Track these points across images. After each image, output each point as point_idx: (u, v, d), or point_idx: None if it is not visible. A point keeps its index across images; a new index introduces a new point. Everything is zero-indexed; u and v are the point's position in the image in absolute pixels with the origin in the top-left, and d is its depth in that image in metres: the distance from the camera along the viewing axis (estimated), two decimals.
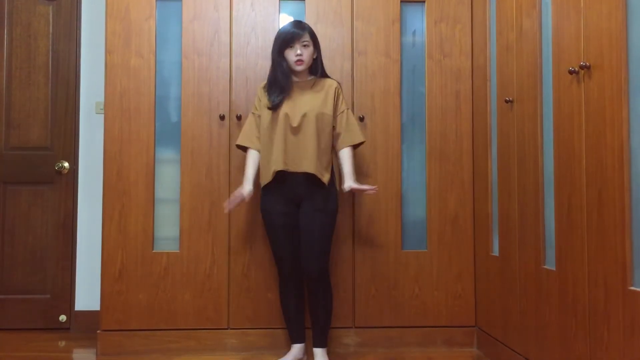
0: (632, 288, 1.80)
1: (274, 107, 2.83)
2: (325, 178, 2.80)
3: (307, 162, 2.78)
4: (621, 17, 1.87)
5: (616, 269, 1.87)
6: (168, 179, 3.20)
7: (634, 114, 1.84)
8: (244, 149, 2.94)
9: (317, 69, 2.93)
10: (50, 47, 3.80)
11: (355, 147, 2.93)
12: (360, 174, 3.18)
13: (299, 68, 2.85)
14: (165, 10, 3.24)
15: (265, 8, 3.23)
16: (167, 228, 3.18)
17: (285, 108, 2.82)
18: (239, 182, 3.15)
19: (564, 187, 2.21)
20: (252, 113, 2.94)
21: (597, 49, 1.99)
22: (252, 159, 2.90)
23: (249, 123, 2.94)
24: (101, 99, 3.36)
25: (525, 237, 2.55)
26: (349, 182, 2.82)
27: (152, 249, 3.14)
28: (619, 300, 1.85)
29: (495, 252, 2.95)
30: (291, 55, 2.84)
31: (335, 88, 2.90)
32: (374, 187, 2.83)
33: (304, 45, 2.84)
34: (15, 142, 3.77)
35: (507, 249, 2.76)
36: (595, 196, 1.98)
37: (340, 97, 2.92)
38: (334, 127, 2.89)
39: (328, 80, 2.93)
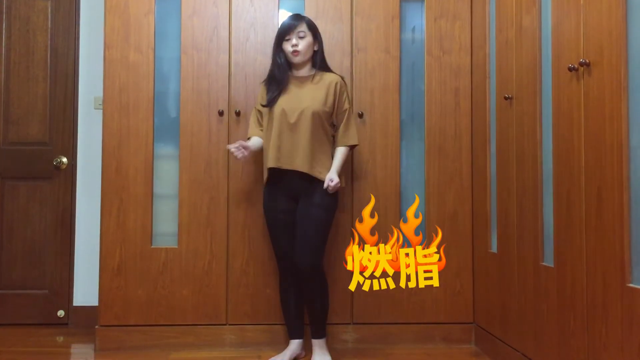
0: (631, 285, 1.81)
1: (269, 104, 2.84)
2: (324, 176, 2.78)
3: (300, 160, 2.76)
4: (621, 15, 1.86)
5: (615, 266, 1.87)
6: (167, 175, 3.20)
7: (633, 111, 1.84)
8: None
9: (318, 62, 2.90)
10: (49, 42, 3.79)
11: (351, 147, 2.92)
12: (359, 170, 3.19)
13: (296, 59, 2.84)
14: (165, 5, 3.24)
15: (265, 4, 3.23)
16: (166, 224, 3.18)
17: (282, 103, 2.82)
18: (238, 177, 3.16)
19: (563, 184, 2.21)
20: (255, 107, 2.97)
21: (596, 46, 1.99)
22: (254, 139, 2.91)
23: (252, 117, 2.98)
24: (100, 94, 3.35)
25: (524, 234, 2.55)
26: (329, 176, 2.75)
27: (151, 245, 3.14)
28: (617, 297, 1.85)
29: (494, 249, 2.95)
30: (288, 46, 2.84)
31: (337, 83, 2.86)
32: (335, 185, 2.75)
33: (300, 37, 2.82)
34: (13, 137, 3.77)
35: (505, 246, 2.76)
36: (594, 193, 1.99)
37: (344, 94, 2.88)
38: (334, 125, 2.88)
39: (330, 75, 2.89)
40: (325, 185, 2.75)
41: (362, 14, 3.25)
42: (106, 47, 3.17)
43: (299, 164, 2.76)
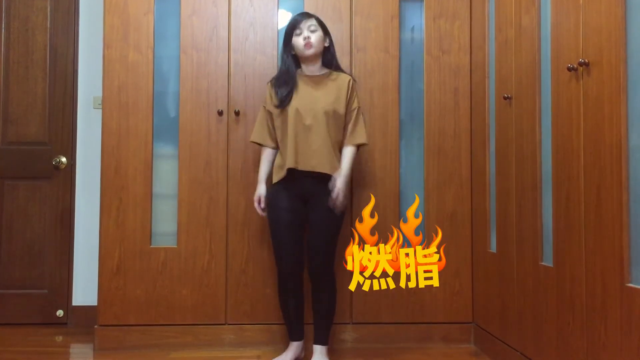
0: (630, 285, 1.81)
1: (281, 104, 2.80)
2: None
3: (317, 161, 2.73)
4: (620, 14, 1.87)
5: (614, 265, 1.87)
6: (166, 174, 3.20)
7: (632, 111, 1.84)
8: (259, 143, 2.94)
9: (330, 60, 2.88)
10: (48, 41, 3.79)
11: (358, 146, 2.90)
12: (358, 170, 3.19)
13: (308, 52, 2.79)
14: (164, 5, 3.24)
15: (265, 4, 3.23)
16: (165, 223, 3.18)
17: (295, 104, 2.77)
18: (237, 177, 3.16)
19: (562, 184, 2.21)
20: (263, 107, 2.92)
21: (595, 46, 1.99)
22: (266, 157, 2.90)
23: (260, 118, 2.93)
24: (99, 93, 3.35)
25: (523, 234, 2.55)
26: (336, 182, 2.71)
27: (150, 244, 3.14)
28: (617, 297, 1.86)
29: (493, 248, 2.95)
30: (299, 40, 2.80)
31: (349, 83, 2.84)
32: (335, 202, 2.71)
33: (312, 30, 2.79)
34: (12, 137, 3.77)
35: (504, 246, 2.76)
36: (593, 193, 1.99)
37: (354, 93, 2.86)
38: (345, 124, 2.85)
39: (342, 75, 2.87)
40: (333, 195, 2.69)
41: (362, 14, 3.25)
42: (105, 46, 3.17)
43: (316, 164, 2.73)
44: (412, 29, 3.35)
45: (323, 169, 2.74)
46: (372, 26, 3.25)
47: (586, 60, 2.03)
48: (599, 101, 1.96)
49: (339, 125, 2.81)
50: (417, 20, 3.32)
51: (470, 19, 3.27)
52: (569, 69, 2.12)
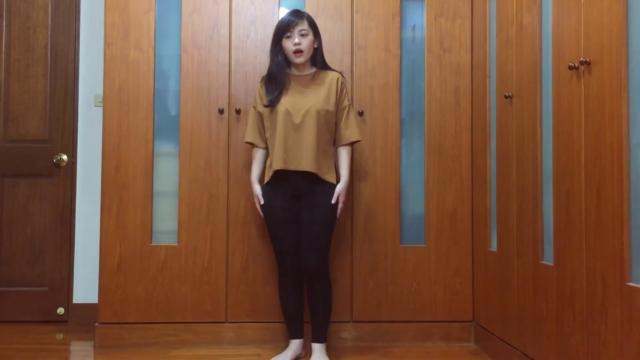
0: (630, 284, 1.81)
1: (271, 104, 2.80)
2: (328, 176, 2.78)
3: (307, 161, 2.74)
4: (621, 13, 1.86)
5: (614, 264, 1.87)
6: (167, 173, 3.20)
7: (634, 110, 1.84)
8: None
9: (318, 60, 2.88)
10: (49, 39, 3.79)
11: (352, 144, 2.92)
12: (359, 169, 3.19)
13: (298, 60, 2.80)
14: (165, 3, 3.23)
15: (265, 2, 3.22)
16: (166, 221, 3.18)
17: (285, 103, 2.78)
18: (238, 176, 3.16)
19: (563, 183, 2.21)
20: (254, 107, 2.92)
21: (597, 44, 1.99)
22: (258, 158, 2.91)
23: (251, 118, 2.93)
24: (100, 91, 3.35)
25: (524, 233, 2.55)
26: (338, 187, 2.81)
27: (151, 243, 3.14)
28: (617, 296, 1.86)
29: (493, 247, 2.95)
30: (289, 44, 2.79)
31: (338, 80, 2.84)
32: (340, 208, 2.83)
33: (302, 35, 2.78)
34: (13, 135, 3.77)
35: (505, 245, 2.76)
36: (594, 192, 1.99)
37: (344, 91, 2.86)
38: (335, 122, 2.87)
39: (330, 73, 2.87)
40: (333, 200, 2.78)
41: (363, 12, 3.24)
42: (106, 44, 3.17)
43: (306, 164, 2.73)
44: (413, 27, 3.34)
45: (312, 169, 2.74)
46: (373, 25, 3.24)
47: (587, 59, 2.02)
48: (600, 100, 1.96)
49: (330, 124, 2.82)
50: (418, 18, 3.32)
51: (471, 17, 3.27)
52: (570, 68, 2.11)
